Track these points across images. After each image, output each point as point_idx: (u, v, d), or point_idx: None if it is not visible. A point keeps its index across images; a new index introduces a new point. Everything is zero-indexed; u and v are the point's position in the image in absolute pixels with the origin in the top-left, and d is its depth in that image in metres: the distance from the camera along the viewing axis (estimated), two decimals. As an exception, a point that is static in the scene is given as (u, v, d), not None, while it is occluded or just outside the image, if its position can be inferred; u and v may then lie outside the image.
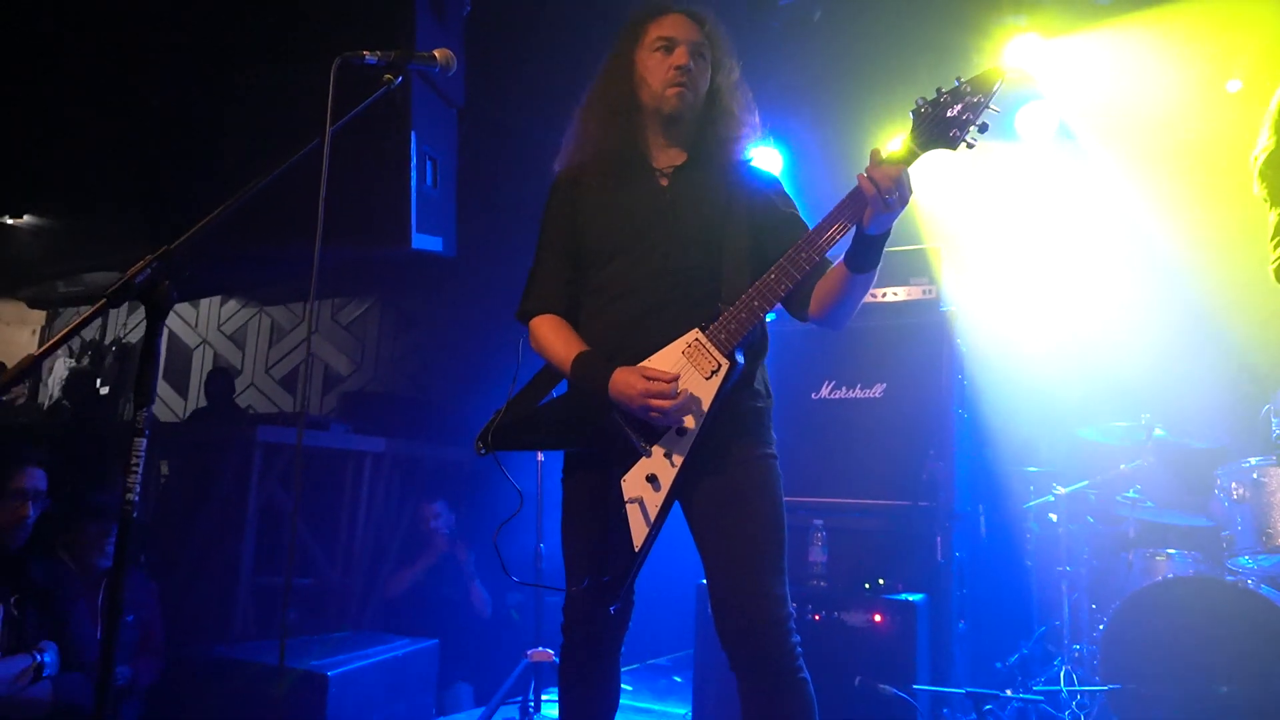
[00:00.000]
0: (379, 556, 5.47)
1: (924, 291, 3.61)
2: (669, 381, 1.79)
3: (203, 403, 8.25)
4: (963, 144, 1.71)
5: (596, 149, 2.02)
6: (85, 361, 9.11)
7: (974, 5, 4.21)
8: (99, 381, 8.45)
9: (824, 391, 3.66)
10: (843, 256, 1.82)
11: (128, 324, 8.97)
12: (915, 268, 3.63)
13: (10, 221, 7.83)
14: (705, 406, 1.81)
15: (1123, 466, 3.60)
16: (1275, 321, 3.46)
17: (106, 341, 8.90)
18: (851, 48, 4.35)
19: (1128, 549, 3.56)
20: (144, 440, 1.33)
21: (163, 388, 8.74)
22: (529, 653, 3.43)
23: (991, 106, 1.71)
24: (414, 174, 3.34)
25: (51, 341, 1.29)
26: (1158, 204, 3.91)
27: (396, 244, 3.35)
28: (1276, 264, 1.50)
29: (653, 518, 1.81)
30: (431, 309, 7.22)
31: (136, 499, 1.33)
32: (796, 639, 1.80)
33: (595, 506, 1.91)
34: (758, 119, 2.07)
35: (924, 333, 3.54)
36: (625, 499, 1.84)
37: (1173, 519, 3.58)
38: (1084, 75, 4.20)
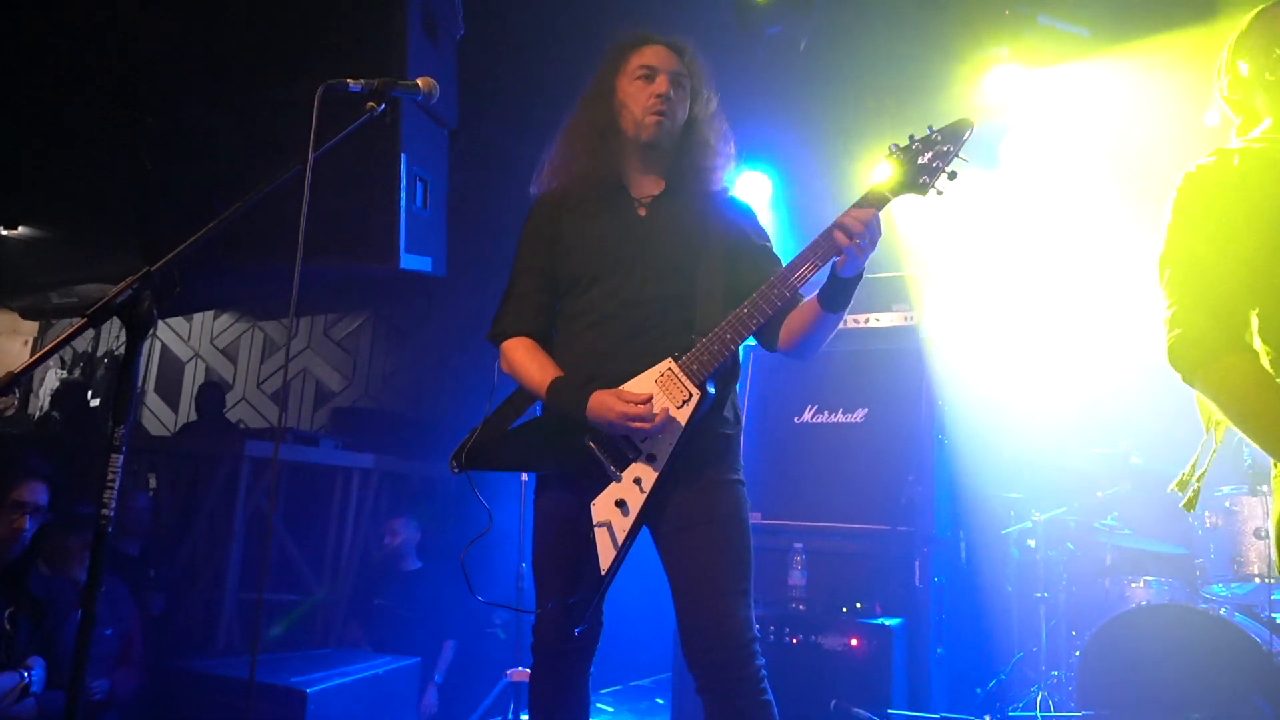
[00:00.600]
0: (365, 572, 5.48)
1: (904, 318, 3.67)
2: (645, 404, 1.83)
3: (193, 416, 8.26)
4: (932, 190, 1.79)
5: (576, 174, 2.06)
6: (76, 373, 9.12)
7: (957, 36, 4.29)
8: (89, 393, 8.46)
9: (806, 415, 3.70)
10: (816, 294, 1.87)
11: (120, 336, 9.00)
12: (896, 294, 3.69)
13: (4, 232, 7.87)
14: (676, 434, 1.84)
15: (1100, 494, 3.64)
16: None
17: (98, 354, 8.92)
18: (837, 76, 4.43)
19: (1105, 575, 3.60)
20: (121, 456, 1.36)
21: (154, 400, 8.74)
22: (508, 672, 3.44)
23: (960, 156, 1.79)
24: (403, 195, 3.39)
25: (31, 359, 1.33)
26: (1134, 234, 3.97)
27: (385, 263, 3.39)
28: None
29: (620, 542, 1.84)
30: (424, 326, 7.26)
31: (112, 514, 1.35)
32: (761, 661, 1.82)
33: (564, 529, 1.93)
34: (733, 149, 2.13)
35: (904, 359, 3.59)
36: (594, 522, 1.87)
37: (1149, 546, 3.61)
38: (1064, 106, 4.28)
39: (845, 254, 1.76)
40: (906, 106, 4.28)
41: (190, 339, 8.62)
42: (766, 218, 5.03)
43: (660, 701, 4.40)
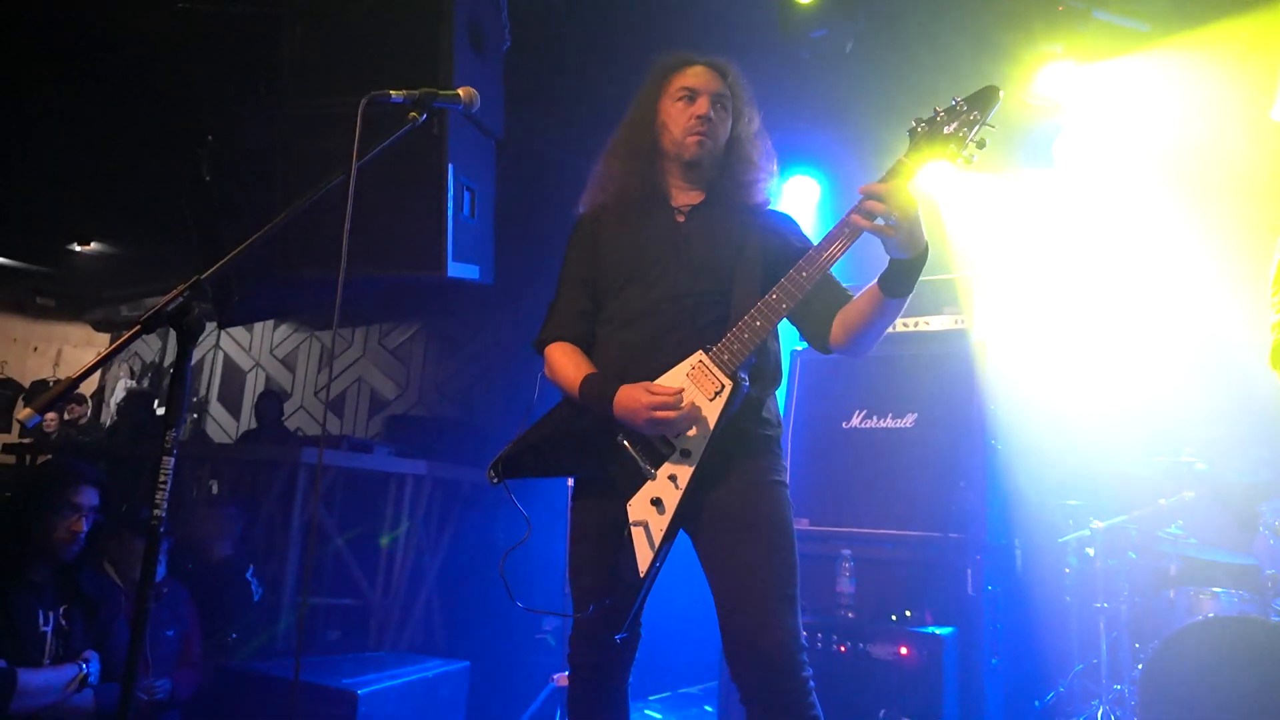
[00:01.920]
0: (419, 578, 5.56)
1: (955, 321, 3.60)
2: (674, 394, 1.82)
3: (254, 424, 8.50)
4: (960, 159, 1.76)
5: (619, 190, 2.09)
6: (144, 383, 9.46)
7: (1008, 33, 4.20)
8: (155, 402, 8.76)
9: (855, 420, 3.65)
10: (875, 280, 1.83)
11: (186, 347, 9.30)
12: (946, 297, 3.62)
13: (78, 248, 8.22)
14: (709, 427, 1.82)
15: (1163, 501, 3.51)
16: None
17: (165, 364, 9.24)
18: (884, 77, 4.37)
19: (1169, 586, 3.47)
20: (172, 459, 1.41)
21: (217, 409, 9.02)
22: (555, 677, 3.46)
23: (989, 123, 1.76)
24: (450, 204, 3.44)
25: (85, 366, 1.38)
26: (1195, 235, 3.84)
27: (433, 271, 3.45)
28: (1274, 346, 1.58)
29: (657, 542, 1.82)
30: (475, 335, 7.37)
31: (164, 514, 1.40)
32: (808, 673, 1.77)
33: (602, 532, 1.93)
34: (775, 165, 2.14)
35: (955, 363, 3.52)
36: (630, 522, 1.85)
37: (1217, 556, 3.48)
38: (1121, 102, 4.16)
39: (875, 233, 1.73)
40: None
41: (251, 349, 8.88)
42: (815, 223, 5.01)
43: (709, 709, 4.37)
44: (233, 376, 9.01)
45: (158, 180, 5.13)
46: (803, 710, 1.74)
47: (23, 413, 1.25)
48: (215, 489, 5.61)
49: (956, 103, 1.76)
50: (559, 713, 3.46)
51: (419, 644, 5.51)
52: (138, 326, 1.41)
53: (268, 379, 8.66)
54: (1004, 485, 3.62)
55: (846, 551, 3.33)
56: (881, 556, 3.37)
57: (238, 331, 8.87)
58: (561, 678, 3.43)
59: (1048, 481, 3.86)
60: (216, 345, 9.13)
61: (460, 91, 1.95)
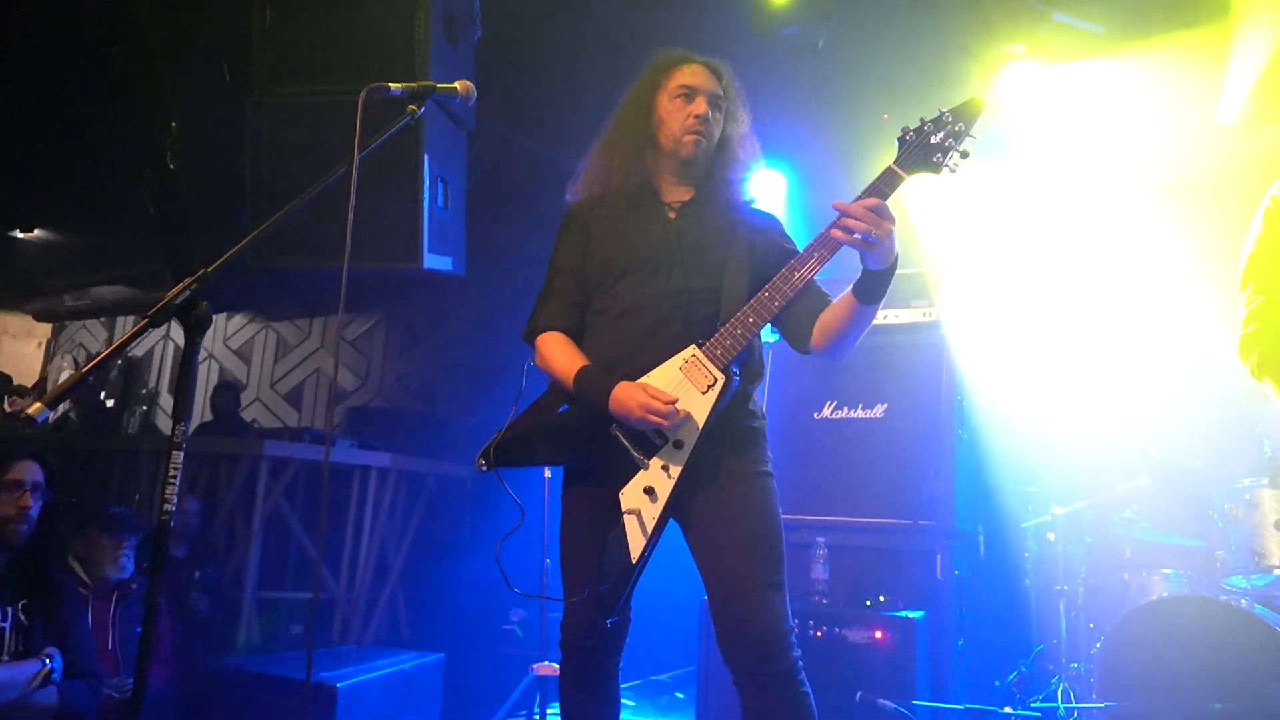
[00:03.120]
0: (383, 571, 5.52)
1: (924, 314, 3.69)
2: (669, 402, 1.86)
3: (208, 417, 8.31)
4: (945, 169, 1.83)
5: (611, 183, 2.12)
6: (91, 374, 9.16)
7: (973, 33, 4.31)
8: (103, 394, 8.51)
9: (826, 411, 3.73)
10: (849, 287, 1.90)
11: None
12: (915, 290, 3.71)
13: (20, 235, 7.93)
14: (702, 420, 1.87)
15: (1119, 487, 3.66)
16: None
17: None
18: (854, 73, 4.45)
19: (1124, 568, 3.62)
20: (182, 454, 1.40)
21: (167, 401, 8.80)
22: (534, 666, 3.48)
23: (972, 134, 1.83)
24: (426, 196, 3.42)
25: (97, 359, 1.36)
26: (1150, 230, 4.00)
27: (409, 263, 3.43)
28: (1243, 339, 1.70)
29: (649, 529, 1.86)
30: (438, 325, 7.31)
31: (174, 509, 1.39)
32: (798, 654, 1.84)
33: (594, 519, 1.96)
34: (762, 164, 2.19)
35: (924, 354, 3.62)
36: (624, 510, 1.89)
37: (1168, 539, 3.63)
38: (1081, 103, 4.30)
39: (854, 247, 1.79)
40: (922, 104, 4.30)
41: (204, 340, 8.66)
42: (782, 216, 5.08)
43: (680, 696, 4.44)
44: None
45: (109, 166, 4.98)
46: (794, 689, 1.81)
47: (33, 407, 1.23)
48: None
49: (942, 113, 1.83)
50: (538, 701, 3.48)
51: (383, 637, 5.48)
52: (145, 319, 1.39)
53: (221, 370, 8.47)
54: (969, 473, 3.74)
55: (820, 539, 3.41)
56: (854, 544, 3.45)
57: (189, 321, 8.63)
58: (540, 667, 3.45)
59: (1010, 469, 4.00)
60: (166, 335, 8.90)
61: (458, 85, 1.96)
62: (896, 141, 1.86)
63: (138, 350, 9.00)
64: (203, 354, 8.72)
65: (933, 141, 1.81)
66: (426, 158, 3.41)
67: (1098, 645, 3.28)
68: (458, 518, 6.21)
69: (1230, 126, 4.20)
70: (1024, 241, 4.31)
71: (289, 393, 8.03)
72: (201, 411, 8.51)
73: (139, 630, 3.32)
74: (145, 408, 8.71)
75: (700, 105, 2.08)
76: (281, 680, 3.19)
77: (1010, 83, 4.26)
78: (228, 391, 7.19)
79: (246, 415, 7.78)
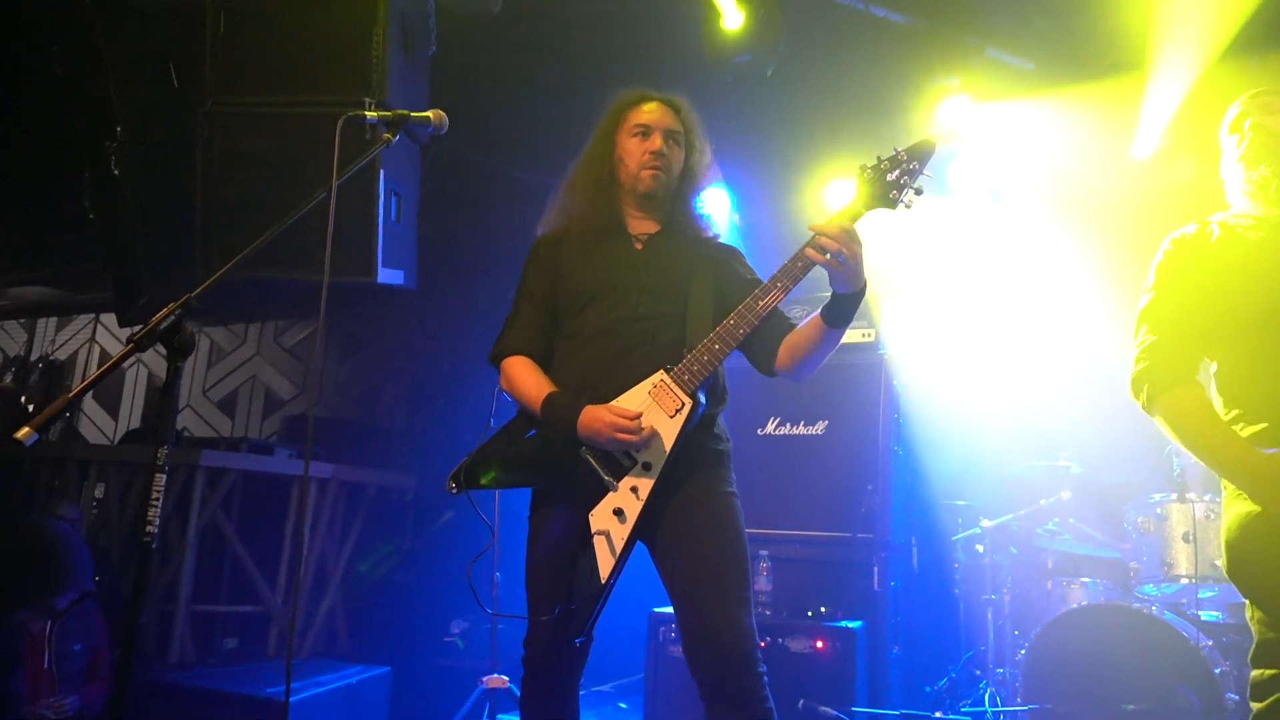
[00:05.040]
0: (322, 583, 5.46)
1: (864, 334, 3.85)
2: (634, 417, 1.94)
3: (135, 424, 8.06)
4: (900, 205, 1.95)
5: (579, 218, 2.21)
6: (8, 379, 8.80)
7: (912, 67, 4.52)
8: (24, 399, 8.17)
9: (769, 428, 3.86)
10: (818, 311, 2.00)
11: (56, 340, 8.74)
12: (857, 312, 3.86)
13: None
14: (669, 443, 1.95)
15: (1043, 501, 3.87)
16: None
17: (33, 358, 8.63)
18: (799, 101, 4.62)
19: (1047, 578, 3.83)
20: (164, 476, 1.42)
21: (91, 407, 8.50)
22: (484, 679, 3.51)
23: (925, 172, 1.95)
24: (381, 210, 3.44)
25: (88, 381, 1.37)
26: (1072, 259, 4.25)
27: (362, 277, 3.44)
28: (1135, 376, 1.90)
29: (618, 550, 1.93)
30: (380, 335, 7.24)
31: (156, 530, 1.41)
32: (763, 668, 1.92)
33: (563, 540, 2.01)
34: (726, 194, 2.30)
35: (864, 373, 3.77)
36: (593, 531, 1.96)
37: (1087, 550, 3.86)
38: (1009, 137, 4.55)
39: (825, 267, 1.89)
40: (864, 133, 4.50)
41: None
42: (723, 231, 5.22)
43: (624, 706, 4.50)
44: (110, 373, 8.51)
45: (38, 167, 4.84)
46: (759, 703, 1.89)
47: (22, 431, 1.25)
48: (99, 492, 5.34)
49: (898, 152, 1.94)
50: (487, 712, 3.51)
51: (321, 651, 5.41)
52: (130, 345, 1.41)
53: (150, 376, 8.23)
54: (905, 488, 3.91)
55: (764, 552, 3.52)
56: (796, 556, 3.58)
57: (116, 323, 8.38)
58: (490, 680, 3.48)
59: (942, 484, 4.19)
60: (92, 339, 8.61)
61: (431, 114, 2.01)
62: (855, 178, 1.96)
63: (60, 353, 8.69)
64: (132, 359, 8.49)
65: (889, 179, 1.92)
66: (382, 172, 3.43)
67: (1022, 652, 3.47)
68: (398, 529, 6.17)
69: (1144, 162, 4.50)
70: (959, 267, 4.53)
71: (222, 400, 7.85)
72: (128, 419, 8.26)
73: (77, 647, 3.26)
74: (68, 413, 8.39)
75: (656, 142, 2.17)
76: (226, 696, 3.15)
77: (947, 115, 4.48)
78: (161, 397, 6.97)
79: (177, 423, 7.58)
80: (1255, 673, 1.74)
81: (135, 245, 3.67)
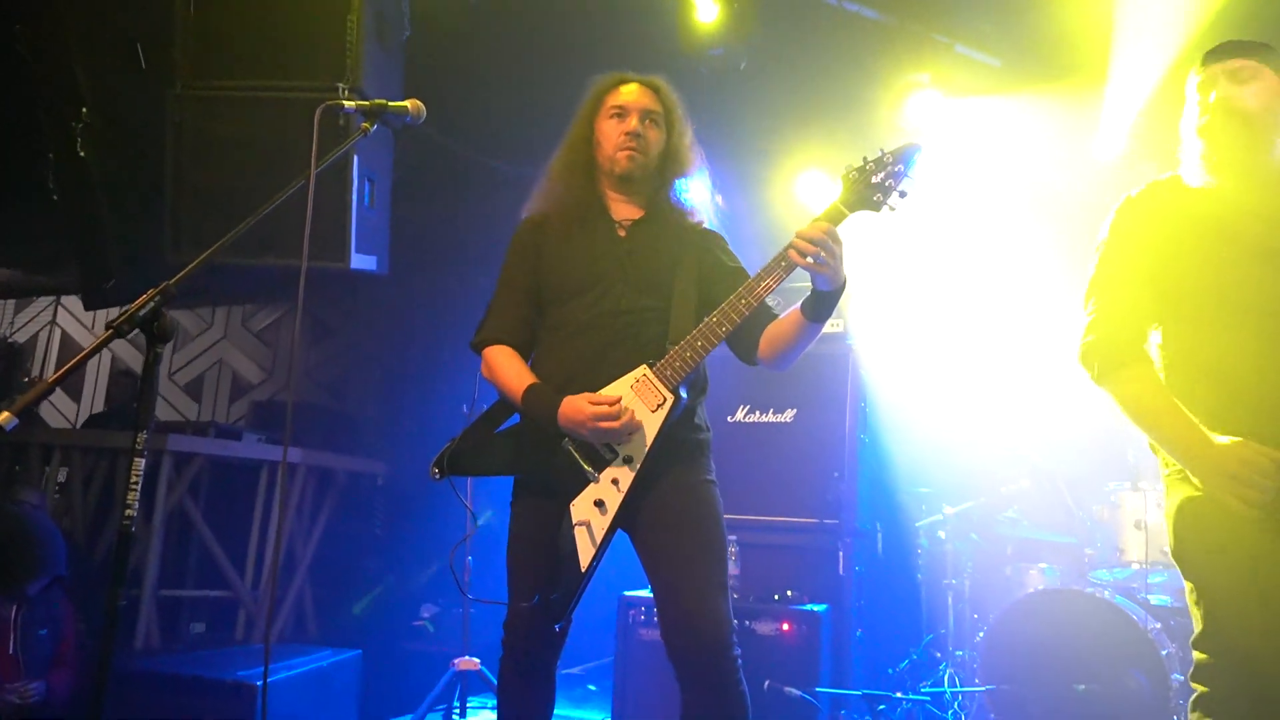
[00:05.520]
0: (290, 568, 5.45)
1: (832, 325, 3.92)
2: (613, 404, 1.97)
3: (99, 408, 7.94)
4: (885, 207, 1.96)
5: (561, 202, 2.22)
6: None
7: (882, 61, 4.59)
8: (-17, 382, 8.02)
9: (739, 415, 3.92)
10: (799, 304, 2.03)
11: (15, 322, 8.57)
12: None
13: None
14: (650, 436, 1.99)
15: (1003, 489, 3.98)
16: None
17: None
18: (772, 94, 4.67)
19: (1006, 564, 3.95)
20: (143, 460, 1.44)
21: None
22: (455, 661, 3.55)
23: (910, 175, 1.96)
24: (355, 196, 3.44)
25: (67, 367, 1.38)
26: (1038, 256, 4.35)
27: (337, 262, 3.44)
28: (1084, 349, 1.92)
29: (599, 540, 1.97)
30: (350, 320, 7.20)
31: (135, 514, 1.43)
32: (738, 651, 1.98)
33: (544, 529, 2.04)
34: (708, 178, 2.30)
35: (831, 363, 3.85)
36: (574, 522, 1.99)
37: (1044, 536, 3.98)
38: (976, 133, 4.63)
39: (805, 269, 1.92)
40: (836, 126, 4.57)
41: (94, 327, 8.28)
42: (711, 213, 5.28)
43: (592, 688, 4.56)
44: (71, 355, 8.38)
45: (5, 146, 4.75)
46: (733, 685, 1.95)
47: (2, 416, 1.26)
48: (64, 478, 5.28)
49: (883, 154, 1.95)
50: (458, 693, 3.55)
51: (290, 636, 5.41)
52: (111, 331, 1.43)
53: (114, 359, 8.11)
54: (870, 475, 4.00)
55: (733, 538, 3.57)
56: (765, 542, 3.65)
57: (78, 305, 8.24)
58: (461, 662, 3.52)
59: (907, 472, 4.29)
60: (53, 321, 8.46)
61: (409, 104, 2.02)
62: (840, 179, 1.97)
63: (20, 335, 8.52)
64: (90, 340, 8.35)
65: (873, 181, 1.93)
66: (356, 158, 3.42)
67: (980, 634, 3.58)
68: (367, 514, 6.17)
69: (1108, 163, 4.61)
70: (926, 261, 4.62)
71: (188, 384, 7.76)
72: (90, 403, 8.14)
73: (43, 633, 3.24)
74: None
75: (631, 123, 2.17)
76: (196, 680, 3.15)
77: (916, 110, 4.55)
78: (126, 380, 6.90)
79: (142, 407, 7.48)
80: (1197, 655, 1.78)
81: (102, 228, 3.64)
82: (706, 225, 2.30)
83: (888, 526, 4.24)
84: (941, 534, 4.03)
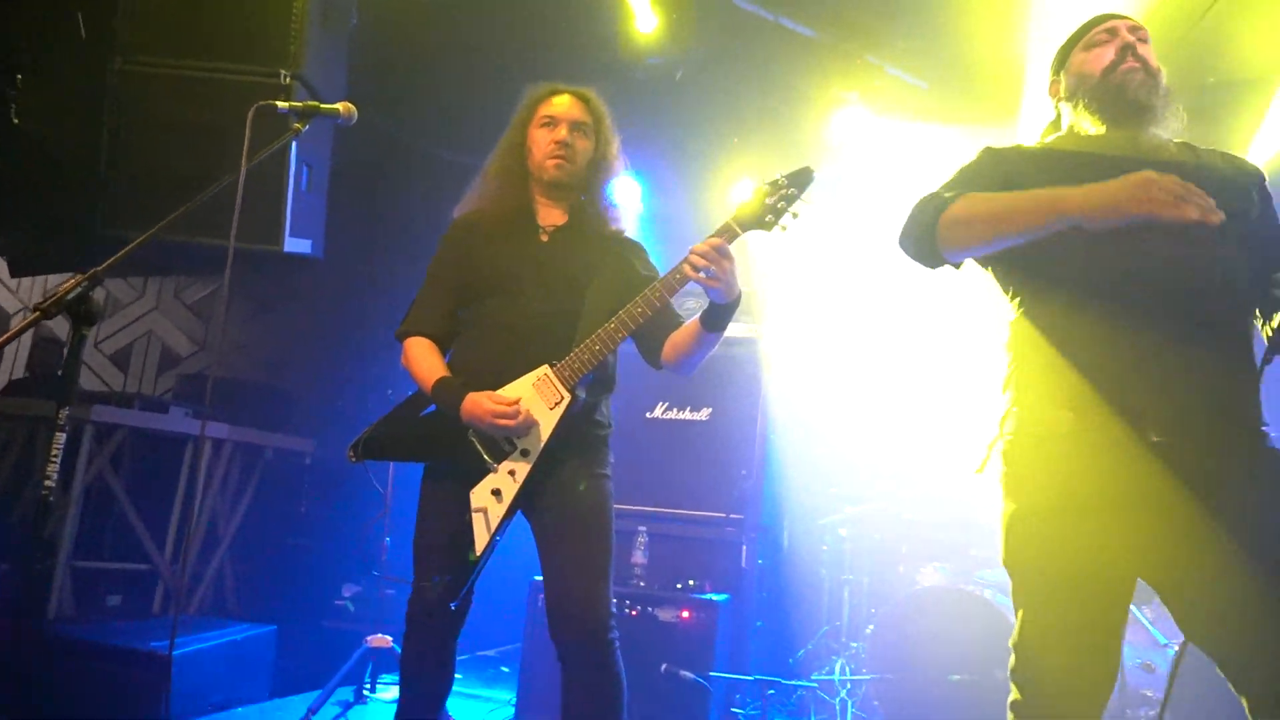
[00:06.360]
0: (212, 544, 5.46)
1: (748, 329, 4.13)
2: (512, 404, 2.12)
3: (19, 374, 7.77)
4: (777, 228, 2.12)
5: (492, 205, 2.36)
6: None
7: (813, 78, 4.81)
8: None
9: (658, 411, 4.10)
10: (698, 315, 2.19)
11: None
12: (742, 307, 4.11)
13: None
14: (546, 432, 2.15)
15: (902, 492, 4.23)
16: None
17: None
18: (709, 103, 4.85)
19: (901, 561, 4.20)
20: (64, 435, 1.54)
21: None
22: (368, 639, 3.66)
23: (803, 199, 2.11)
24: (291, 180, 3.51)
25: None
26: (941, 272, 4.62)
27: (270, 245, 3.51)
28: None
29: (494, 527, 2.14)
30: (288, 297, 7.17)
31: (54, 485, 1.53)
32: (616, 634, 2.15)
33: (447, 513, 2.20)
34: (635, 189, 2.45)
35: (745, 365, 4.06)
36: (472, 508, 2.15)
37: (938, 536, 4.24)
38: (900, 151, 4.88)
39: (698, 283, 2.08)
40: (769, 137, 4.77)
41: (19, 292, 8.09)
42: (634, 220, 5.45)
43: (505, 670, 4.71)
44: (-6, 320, 8.17)
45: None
46: (610, 665, 2.13)
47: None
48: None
49: (779, 178, 2.11)
50: (370, 670, 3.66)
51: (209, 610, 5.43)
52: (37, 313, 1.52)
53: (39, 326, 7.93)
54: (779, 474, 4.22)
55: (642, 528, 3.77)
56: (673, 533, 3.84)
57: (3, 271, 8.04)
58: (373, 639, 3.63)
59: (816, 472, 4.52)
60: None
61: (340, 107, 2.12)
62: (737, 202, 2.13)
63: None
64: (16, 305, 8.16)
65: (766, 203, 2.08)
66: (294, 144, 3.49)
67: (870, 628, 3.82)
68: (294, 492, 6.19)
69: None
70: (842, 270, 4.86)
71: (115, 353, 7.65)
72: (12, 368, 7.95)
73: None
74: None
75: (561, 132, 2.30)
76: (107, 648, 3.20)
77: (842, 126, 4.78)
78: (51, 348, 6.77)
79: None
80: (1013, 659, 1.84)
81: (33, 197, 3.64)
82: (628, 234, 2.44)
83: (796, 523, 4.47)
84: (843, 532, 4.27)
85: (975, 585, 3.76)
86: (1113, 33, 1.87)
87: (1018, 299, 1.86)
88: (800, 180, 2.12)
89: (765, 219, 2.11)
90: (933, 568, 4.07)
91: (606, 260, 2.32)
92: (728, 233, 2.11)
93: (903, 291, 4.68)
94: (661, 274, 2.36)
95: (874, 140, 4.86)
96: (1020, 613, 1.77)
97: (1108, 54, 1.84)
